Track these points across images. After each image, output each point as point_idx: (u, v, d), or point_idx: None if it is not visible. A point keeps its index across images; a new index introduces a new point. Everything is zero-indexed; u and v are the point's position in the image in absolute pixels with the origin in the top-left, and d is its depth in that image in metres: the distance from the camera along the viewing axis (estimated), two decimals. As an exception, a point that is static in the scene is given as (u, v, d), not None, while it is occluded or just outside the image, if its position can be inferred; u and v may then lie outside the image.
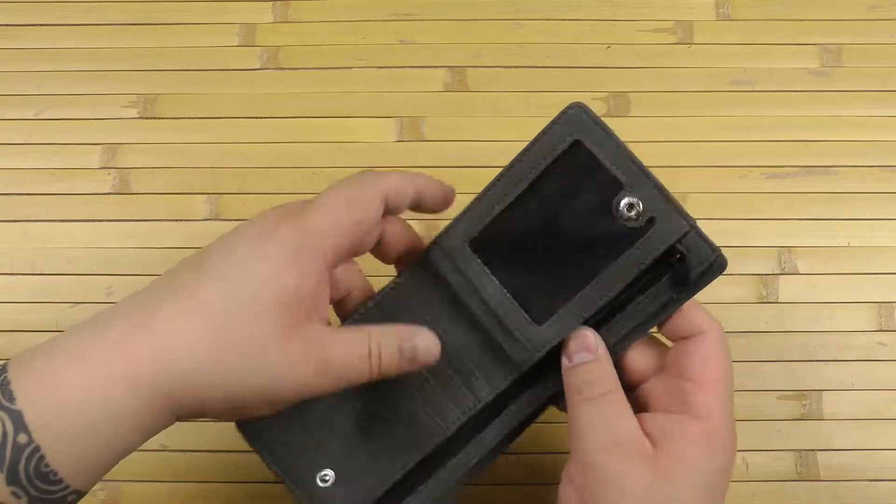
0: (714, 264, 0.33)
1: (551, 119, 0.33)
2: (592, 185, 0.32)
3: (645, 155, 0.49)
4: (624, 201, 0.32)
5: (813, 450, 0.44)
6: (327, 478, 0.33)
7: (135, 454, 0.30)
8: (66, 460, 0.27)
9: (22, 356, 0.28)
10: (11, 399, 0.27)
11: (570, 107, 0.33)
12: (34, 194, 0.48)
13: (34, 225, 0.48)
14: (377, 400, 0.34)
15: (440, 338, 0.32)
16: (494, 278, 0.33)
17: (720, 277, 0.46)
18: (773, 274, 0.46)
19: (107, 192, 0.48)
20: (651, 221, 0.32)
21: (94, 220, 0.47)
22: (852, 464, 0.44)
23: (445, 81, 0.50)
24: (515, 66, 0.50)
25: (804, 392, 0.45)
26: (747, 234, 0.47)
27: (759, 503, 0.43)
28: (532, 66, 0.50)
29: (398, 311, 0.34)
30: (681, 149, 0.48)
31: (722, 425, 0.31)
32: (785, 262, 0.47)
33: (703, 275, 0.33)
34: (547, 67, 0.50)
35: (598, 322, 0.33)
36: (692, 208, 0.47)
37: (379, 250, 0.35)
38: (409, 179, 0.33)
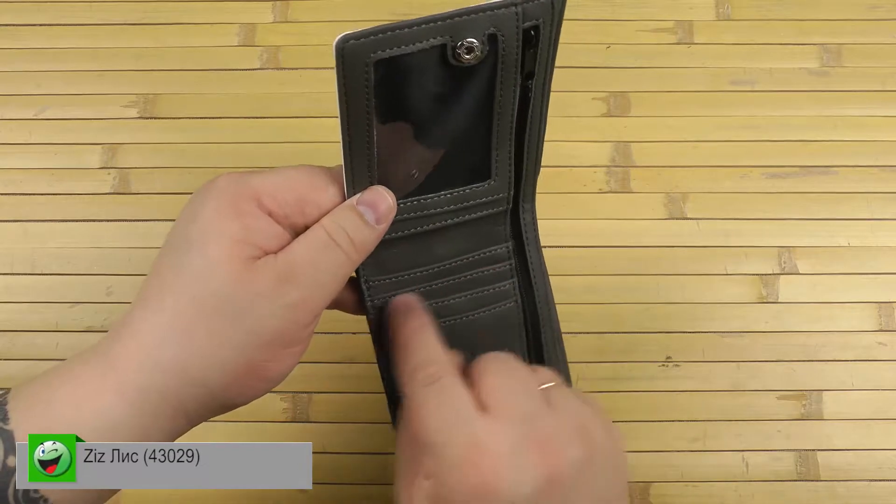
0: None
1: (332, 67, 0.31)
2: (424, 73, 0.31)
3: (645, 155, 0.50)
4: (461, 51, 0.30)
5: (813, 450, 0.44)
6: None
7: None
8: None
9: (25, 382, 0.27)
10: (6, 419, 0.26)
11: (338, 45, 0.30)
12: (34, 194, 0.48)
13: (34, 225, 0.48)
14: (446, 316, 0.34)
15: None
16: (429, 193, 0.33)
17: (720, 277, 0.46)
18: (773, 274, 0.46)
19: (107, 192, 0.48)
20: (493, 38, 0.30)
21: (93, 220, 0.47)
22: (852, 464, 0.44)
23: (445, 81, 0.50)
24: (515, 66, 0.50)
25: (804, 392, 0.45)
26: (747, 234, 0.47)
27: (759, 503, 0.43)
28: (532, 66, 0.50)
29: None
30: (681, 149, 0.48)
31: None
32: (785, 262, 0.47)
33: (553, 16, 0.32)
34: (547, 67, 0.50)
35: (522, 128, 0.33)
36: (692, 208, 0.48)
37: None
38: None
